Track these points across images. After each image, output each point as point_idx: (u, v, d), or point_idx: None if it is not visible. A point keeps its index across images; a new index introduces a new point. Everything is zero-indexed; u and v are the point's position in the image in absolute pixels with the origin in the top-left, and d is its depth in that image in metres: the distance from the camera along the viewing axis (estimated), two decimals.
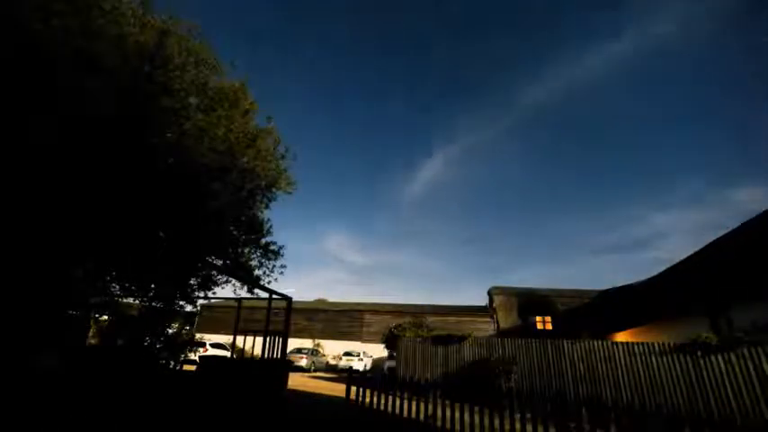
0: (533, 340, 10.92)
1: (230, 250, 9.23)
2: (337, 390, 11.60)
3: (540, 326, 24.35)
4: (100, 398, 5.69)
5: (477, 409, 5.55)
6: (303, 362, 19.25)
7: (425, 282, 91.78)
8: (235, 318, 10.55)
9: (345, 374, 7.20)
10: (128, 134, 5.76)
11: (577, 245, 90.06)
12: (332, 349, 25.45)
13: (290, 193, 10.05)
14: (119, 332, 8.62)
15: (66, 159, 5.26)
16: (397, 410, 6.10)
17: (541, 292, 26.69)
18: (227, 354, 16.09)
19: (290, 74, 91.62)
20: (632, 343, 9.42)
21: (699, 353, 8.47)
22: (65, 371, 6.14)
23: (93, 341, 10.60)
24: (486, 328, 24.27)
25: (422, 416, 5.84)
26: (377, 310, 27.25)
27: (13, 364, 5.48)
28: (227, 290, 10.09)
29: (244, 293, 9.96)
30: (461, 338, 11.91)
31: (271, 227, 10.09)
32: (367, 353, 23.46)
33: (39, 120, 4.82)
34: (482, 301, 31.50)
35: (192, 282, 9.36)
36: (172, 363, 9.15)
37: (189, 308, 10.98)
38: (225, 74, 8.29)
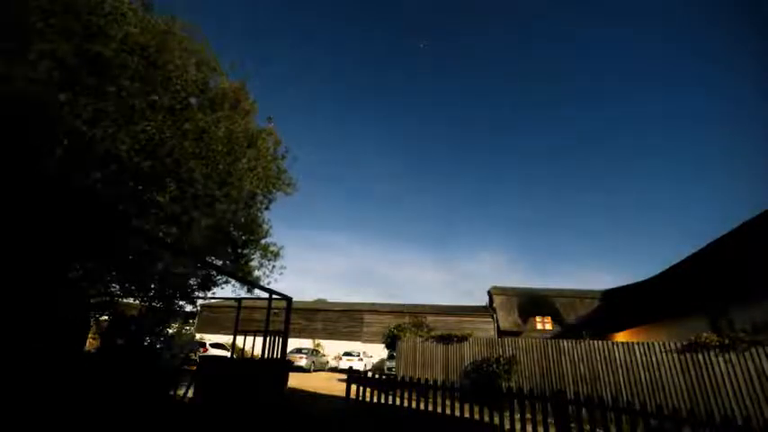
0: (533, 340, 10.92)
1: (230, 251, 9.24)
2: (337, 389, 11.59)
3: (540, 326, 24.38)
4: (101, 399, 5.68)
5: (477, 408, 5.56)
6: (303, 362, 19.23)
7: (426, 281, 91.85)
8: (235, 318, 10.55)
9: (345, 375, 7.20)
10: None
11: None
12: (332, 349, 25.42)
13: (290, 193, 10.06)
14: (119, 332, 8.62)
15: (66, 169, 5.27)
16: (397, 409, 6.11)
17: (541, 292, 26.73)
18: (227, 354, 16.09)
19: (290, 74, 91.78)
20: (632, 343, 9.42)
21: (699, 353, 8.47)
22: (65, 373, 6.13)
23: (93, 341, 10.60)
24: (486, 328, 24.25)
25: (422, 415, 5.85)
26: (377, 310, 27.22)
27: (11, 366, 5.48)
28: (227, 290, 10.12)
29: (244, 293, 9.97)
30: (462, 338, 11.91)
31: (270, 227, 10.12)
32: (367, 353, 23.44)
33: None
34: (482, 301, 31.59)
35: (191, 282, 9.37)
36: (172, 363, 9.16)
37: (189, 308, 10.99)
38: (225, 74, 8.31)
